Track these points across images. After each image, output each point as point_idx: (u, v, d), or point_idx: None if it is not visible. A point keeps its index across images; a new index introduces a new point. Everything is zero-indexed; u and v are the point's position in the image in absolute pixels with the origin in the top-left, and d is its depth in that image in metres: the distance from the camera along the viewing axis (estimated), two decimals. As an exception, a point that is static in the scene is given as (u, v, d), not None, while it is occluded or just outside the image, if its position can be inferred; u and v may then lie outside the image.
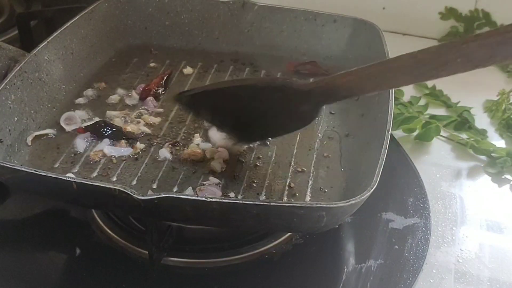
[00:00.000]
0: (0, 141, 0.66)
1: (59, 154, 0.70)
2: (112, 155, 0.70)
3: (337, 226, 0.67)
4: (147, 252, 0.62)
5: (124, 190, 0.53)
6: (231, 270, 0.66)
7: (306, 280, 0.64)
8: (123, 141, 0.72)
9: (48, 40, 0.77)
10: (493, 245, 0.71)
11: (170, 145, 0.72)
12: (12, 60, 0.73)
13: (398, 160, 0.83)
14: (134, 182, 0.66)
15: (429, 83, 1.00)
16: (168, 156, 0.70)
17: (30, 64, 0.73)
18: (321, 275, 0.65)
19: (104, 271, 0.64)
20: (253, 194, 0.66)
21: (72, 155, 0.70)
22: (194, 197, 0.53)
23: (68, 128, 0.74)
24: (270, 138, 0.73)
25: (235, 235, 0.68)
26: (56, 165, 0.68)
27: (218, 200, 0.53)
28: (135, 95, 0.81)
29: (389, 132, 0.62)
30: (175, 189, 0.66)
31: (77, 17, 0.83)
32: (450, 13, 1.16)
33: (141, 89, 0.82)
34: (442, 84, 0.99)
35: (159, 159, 0.70)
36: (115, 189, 0.53)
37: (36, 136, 0.72)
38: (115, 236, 0.68)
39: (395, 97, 0.74)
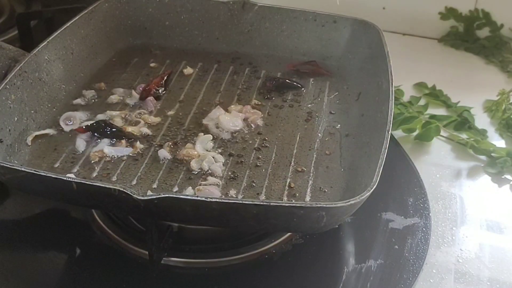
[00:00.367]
0: (0, 141, 0.66)
1: (59, 154, 0.70)
2: (112, 155, 0.70)
3: (337, 226, 0.67)
4: (147, 252, 0.62)
5: (124, 190, 0.53)
6: (231, 270, 0.66)
7: (306, 280, 0.64)
8: (123, 141, 0.72)
9: (48, 40, 0.77)
10: (493, 245, 0.71)
11: (170, 145, 0.72)
12: (12, 60, 0.73)
13: (398, 160, 0.83)
14: (134, 182, 0.66)
15: (429, 83, 1.00)
16: (168, 156, 0.70)
17: (30, 64, 0.73)
18: (321, 275, 0.65)
19: (104, 271, 0.64)
20: (253, 194, 0.66)
21: (72, 155, 0.70)
22: (194, 197, 0.53)
23: (68, 128, 0.74)
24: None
25: (235, 235, 0.68)
26: (56, 165, 0.68)
27: (218, 200, 0.53)
28: (135, 95, 0.81)
29: (389, 132, 0.62)
30: (175, 189, 0.65)
31: (77, 17, 0.83)
32: (450, 13, 1.16)
33: (141, 89, 0.82)
34: (442, 84, 0.99)
35: (159, 159, 0.70)
36: (115, 189, 0.53)
37: (36, 136, 0.72)
38: (115, 236, 0.68)
39: (395, 97, 0.74)
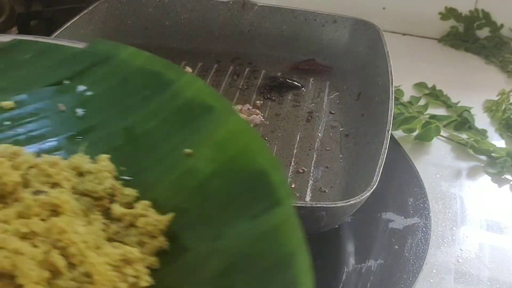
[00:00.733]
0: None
1: (59, 154, 0.70)
2: (112, 155, 0.70)
3: (337, 226, 0.67)
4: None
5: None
6: (231, 270, 0.65)
7: (306, 280, 0.64)
8: (123, 141, 0.72)
9: (48, 40, 0.77)
10: (493, 245, 0.71)
11: (170, 145, 0.72)
12: (12, 60, 0.73)
13: (398, 160, 0.82)
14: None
15: (429, 83, 1.00)
16: (168, 156, 0.70)
17: (30, 64, 0.73)
18: (321, 275, 0.65)
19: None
20: (253, 194, 0.66)
21: (72, 155, 0.70)
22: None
23: (68, 128, 0.74)
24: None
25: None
26: (56, 165, 0.68)
27: (218, 200, 0.53)
28: (135, 95, 0.81)
29: (389, 132, 0.62)
30: (175, 189, 0.65)
31: (77, 17, 0.83)
32: (450, 13, 1.16)
33: (141, 89, 0.82)
34: (442, 84, 0.99)
35: (159, 159, 0.70)
36: (115, 189, 0.53)
37: (36, 136, 0.71)
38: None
39: (395, 97, 0.74)
